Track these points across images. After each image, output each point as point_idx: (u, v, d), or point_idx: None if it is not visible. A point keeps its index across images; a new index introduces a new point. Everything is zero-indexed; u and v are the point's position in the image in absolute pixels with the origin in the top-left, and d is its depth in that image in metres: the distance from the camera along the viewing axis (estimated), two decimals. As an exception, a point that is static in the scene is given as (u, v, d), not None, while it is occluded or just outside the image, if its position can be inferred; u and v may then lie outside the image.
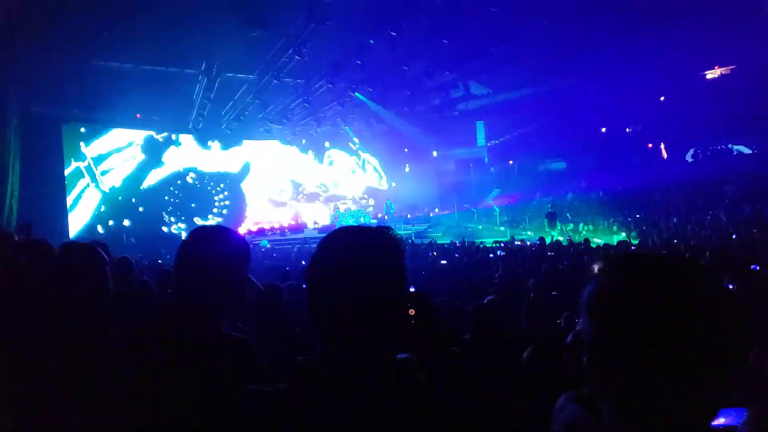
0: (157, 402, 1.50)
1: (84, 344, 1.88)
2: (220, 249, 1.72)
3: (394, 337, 1.16)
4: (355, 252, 1.17)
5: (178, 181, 25.46)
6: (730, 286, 6.13)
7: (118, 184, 23.35)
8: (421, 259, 13.25)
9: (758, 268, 7.43)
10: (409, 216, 25.44)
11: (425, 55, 18.45)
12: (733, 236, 14.01)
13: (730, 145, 23.74)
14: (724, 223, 17.15)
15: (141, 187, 23.87)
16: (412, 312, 2.04)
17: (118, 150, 23.55)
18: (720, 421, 2.25)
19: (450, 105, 24.91)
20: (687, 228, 17.57)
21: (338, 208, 26.23)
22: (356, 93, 20.75)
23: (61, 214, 20.57)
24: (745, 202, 18.60)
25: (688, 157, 24.27)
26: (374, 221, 25.08)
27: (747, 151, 23.15)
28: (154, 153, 24.57)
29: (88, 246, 2.45)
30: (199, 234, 1.78)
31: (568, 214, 23.46)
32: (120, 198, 23.24)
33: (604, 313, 0.92)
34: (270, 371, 1.80)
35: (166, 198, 24.72)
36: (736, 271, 7.46)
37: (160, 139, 24.71)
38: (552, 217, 18.91)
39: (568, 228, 22.07)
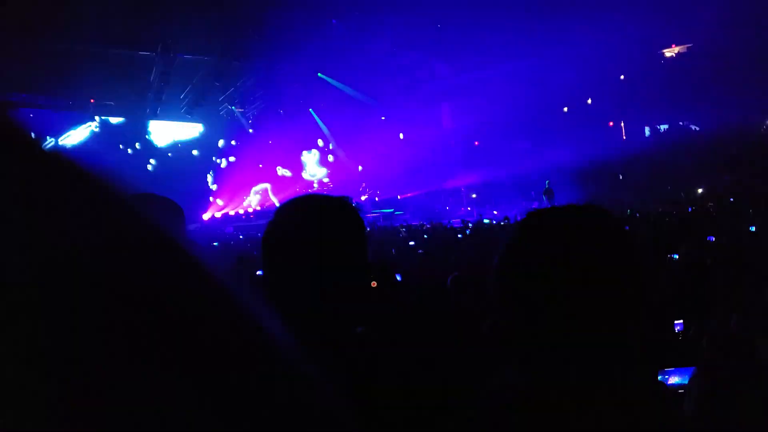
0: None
1: None
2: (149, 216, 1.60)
3: (355, 309, 1.13)
4: (314, 219, 1.13)
5: (137, 169, 24.83)
6: (676, 257, 6.26)
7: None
8: (390, 243, 13.24)
9: (713, 239, 7.63)
10: (377, 199, 25.39)
11: (389, 35, 18.30)
12: (689, 210, 14.39)
13: (687, 122, 24.31)
14: (681, 198, 17.60)
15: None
16: (374, 284, 2.00)
17: (71, 136, 22.79)
18: (672, 380, 2.30)
19: (415, 86, 24.82)
20: (648, 203, 17.97)
21: (311, 191, 25.96)
22: (319, 74, 20.48)
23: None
24: (702, 176, 19.12)
25: (647, 134, 24.75)
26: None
27: (702, 127, 23.74)
28: (109, 139, 23.85)
29: None
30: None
31: (532, 193, 23.76)
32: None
33: (503, 268, 0.90)
34: None
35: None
36: (693, 242, 7.65)
37: (117, 125, 23.99)
38: (550, 194, 19.13)
39: (533, 207, 22.36)
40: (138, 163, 24.84)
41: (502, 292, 0.89)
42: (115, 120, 23.75)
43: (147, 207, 1.25)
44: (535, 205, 21.18)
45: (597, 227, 0.88)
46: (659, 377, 2.28)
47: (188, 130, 26.25)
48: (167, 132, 25.54)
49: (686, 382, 1.81)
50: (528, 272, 0.85)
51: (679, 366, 2.84)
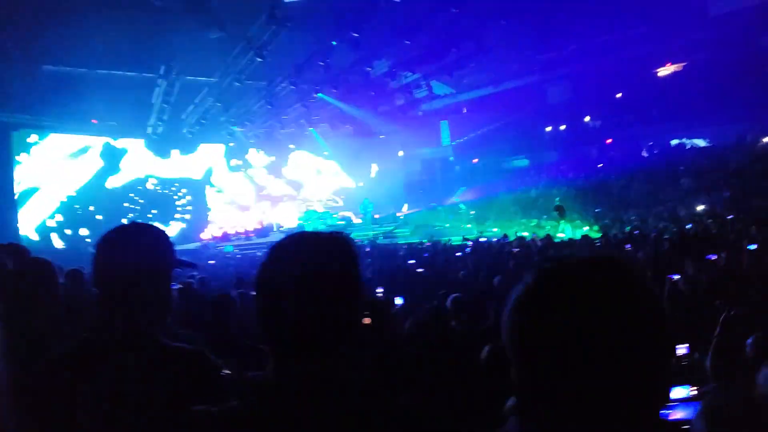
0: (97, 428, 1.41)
1: (29, 360, 1.78)
2: (135, 249, 1.57)
3: (350, 349, 1.12)
4: (307, 260, 1.11)
5: (139, 187, 24.93)
6: (675, 277, 6.26)
7: (74, 192, 22.72)
8: (389, 260, 13.26)
9: (714, 257, 7.66)
10: (377, 216, 25.43)
11: (388, 55, 18.49)
12: (688, 226, 14.43)
13: (684, 139, 24.43)
14: (681, 216, 17.65)
15: (99, 195, 23.27)
16: (367, 321, 2.03)
17: (74, 157, 22.91)
18: (676, 415, 2.32)
19: (414, 105, 25.00)
20: (647, 221, 18.02)
21: (311, 209, 25.81)
22: (320, 94, 20.64)
23: (9, 223, 19.76)
24: (701, 193, 19.18)
25: (645, 152, 24.87)
26: (341, 222, 24.99)
27: (702, 143, 23.86)
28: (112, 159, 23.98)
29: (39, 259, 2.36)
30: (109, 237, 1.59)
31: (534, 212, 23.83)
32: (77, 206, 22.61)
33: (522, 326, 0.83)
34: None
35: (126, 205, 24.18)
36: (693, 260, 7.68)
37: (118, 145, 24.13)
38: (560, 210, 19.00)
39: (532, 224, 22.40)
40: (139, 183, 24.93)
41: (514, 354, 0.85)
42: (118, 141, 23.89)
43: (132, 241, 1.28)
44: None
45: (623, 294, 0.81)
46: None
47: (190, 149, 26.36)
48: (167, 151, 25.66)
49: (690, 417, 1.82)
50: (544, 343, 0.80)
51: (681, 387, 2.86)
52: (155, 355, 1.53)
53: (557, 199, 19.59)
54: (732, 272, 6.80)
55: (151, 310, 1.57)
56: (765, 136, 20.85)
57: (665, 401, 0.82)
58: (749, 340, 3.49)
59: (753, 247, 8.04)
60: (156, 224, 1.75)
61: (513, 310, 0.86)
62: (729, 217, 15.22)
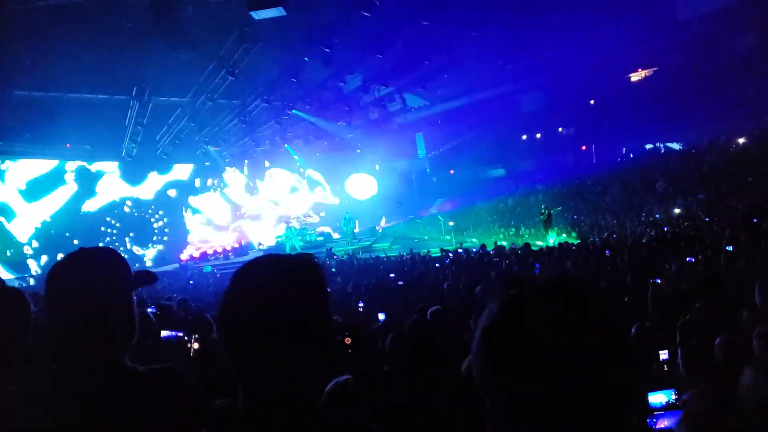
0: None
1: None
2: (87, 274, 1.53)
3: (320, 374, 1.10)
4: (272, 285, 1.09)
5: (115, 211, 24.57)
6: (658, 281, 6.31)
7: (49, 217, 22.31)
8: (370, 274, 13.18)
9: (693, 260, 7.73)
10: (356, 230, 25.34)
11: (360, 70, 18.53)
12: (665, 229, 14.59)
13: (658, 144, 24.85)
14: (657, 219, 17.87)
15: (75, 220, 22.86)
16: (348, 341, 1.99)
17: (47, 182, 22.53)
18: (661, 424, 2.29)
19: (388, 118, 25.10)
20: (625, 225, 18.21)
21: (291, 226, 25.59)
22: (294, 110, 20.60)
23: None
24: (676, 196, 19.46)
25: (619, 157, 25.24)
26: (320, 239, 24.85)
27: (676, 146, 24.29)
28: (87, 183, 23.62)
29: (7, 289, 2.25)
30: (60, 264, 1.57)
31: (512, 221, 23.98)
32: (53, 231, 22.18)
33: (489, 357, 0.83)
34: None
35: (103, 229, 23.80)
36: (672, 263, 7.75)
37: (92, 169, 23.80)
38: (547, 218, 19.12)
39: (510, 233, 22.51)
40: (115, 206, 24.59)
41: (486, 383, 0.85)
42: (92, 165, 23.59)
43: (85, 267, 1.22)
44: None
45: (583, 319, 0.80)
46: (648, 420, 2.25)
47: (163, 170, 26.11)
48: (142, 172, 25.40)
49: (672, 427, 1.80)
50: (511, 372, 0.80)
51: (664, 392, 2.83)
52: (121, 382, 1.49)
53: (543, 207, 19.69)
54: (711, 274, 6.85)
55: (113, 334, 1.52)
56: (737, 137, 21.29)
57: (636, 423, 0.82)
58: (717, 342, 3.50)
59: (730, 248, 8.14)
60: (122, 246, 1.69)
61: (480, 342, 0.85)
62: (705, 220, 15.44)
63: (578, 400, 0.77)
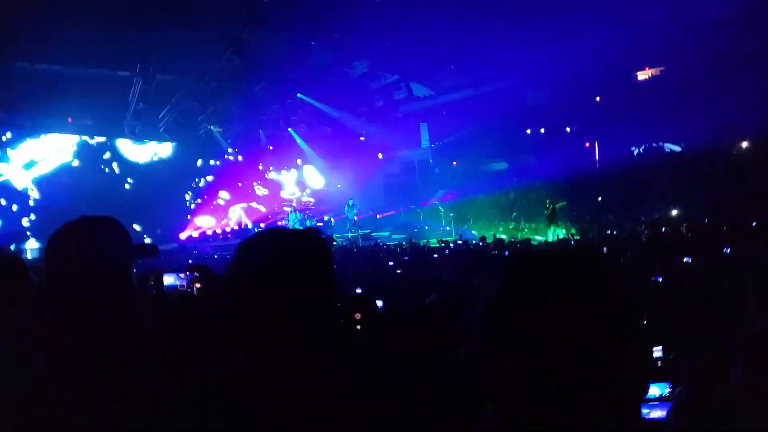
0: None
1: None
2: (86, 243, 1.53)
3: (326, 345, 1.09)
4: (278, 256, 1.08)
5: (116, 187, 24.55)
6: (660, 279, 6.36)
7: (48, 191, 22.30)
8: (369, 262, 13.20)
9: (690, 260, 7.75)
10: (356, 218, 25.35)
11: (367, 56, 18.44)
12: (663, 229, 14.61)
13: (661, 143, 24.79)
14: (656, 219, 17.88)
15: (75, 195, 22.85)
16: (358, 316, 2.00)
17: (48, 156, 22.49)
18: (654, 414, 2.31)
19: (393, 107, 24.98)
20: (623, 224, 18.23)
21: (295, 210, 25.50)
22: (299, 94, 20.53)
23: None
24: (676, 196, 19.47)
25: (623, 155, 25.16)
26: (320, 224, 24.87)
27: (677, 148, 24.22)
28: (88, 158, 23.59)
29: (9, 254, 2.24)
30: (59, 233, 1.56)
31: (512, 214, 24.00)
32: (52, 206, 22.17)
33: (493, 317, 0.83)
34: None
35: (103, 205, 23.81)
36: (665, 263, 7.78)
37: (95, 144, 23.75)
38: (552, 213, 19.03)
39: (510, 226, 22.53)
40: (116, 183, 24.57)
41: (491, 340, 0.84)
42: (94, 140, 23.52)
43: (84, 236, 1.21)
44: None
45: (592, 286, 0.81)
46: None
47: (166, 150, 26.08)
48: (145, 151, 25.36)
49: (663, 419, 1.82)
50: (518, 325, 0.79)
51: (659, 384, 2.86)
52: (114, 346, 1.47)
53: (547, 201, 19.63)
54: (708, 274, 6.88)
55: (111, 303, 1.51)
56: (740, 141, 21.25)
57: (643, 393, 0.82)
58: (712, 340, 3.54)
59: (727, 250, 8.17)
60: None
61: (486, 308, 0.85)
62: (705, 221, 15.46)
63: (583, 373, 0.76)
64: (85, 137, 23.26)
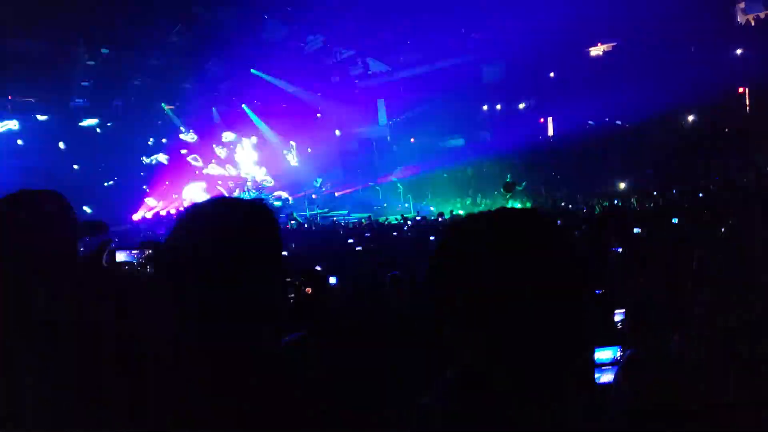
0: None
1: None
2: (36, 214, 1.47)
3: (271, 319, 1.05)
4: (220, 227, 1.02)
5: (62, 168, 23.63)
6: (619, 249, 6.55)
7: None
8: (329, 240, 13.16)
9: (639, 231, 8.00)
10: (314, 196, 25.20)
11: (322, 31, 18.15)
12: (615, 202, 15.03)
13: (613, 118, 25.34)
14: (608, 192, 18.37)
15: (17, 175, 21.90)
16: (309, 291, 1.96)
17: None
18: (605, 378, 2.39)
19: (350, 83, 24.76)
20: (577, 197, 18.67)
21: (250, 190, 25.10)
22: (252, 70, 20.09)
23: None
24: (628, 170, 20.02)
25: (576, 130, 25.64)
26: (278, 203, 24.61)
27: (630, 122, 24.81)
28: (31, 137, 22.59)
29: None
30: (3, 203, 1.48)
31: (469, 190, 24.28)
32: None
33: (435, 273, 0.85)
34: None
35: (49, 186, 22.89)
36: (620, 234, 8.01)
37: (39, 123, 22.73)
38: (510, 187, 19.03)
39: (467, 202, 22.80)
40: (63, 164, 23.67)
41: (436, 298, 0.86)
42: (41, 117, 22.51)
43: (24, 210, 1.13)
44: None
45: (535, 233, 0.83)
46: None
47: (115, 129, 25.22)
48: (92, 130, 24.45)
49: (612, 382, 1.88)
50: (459, 280, 0.81)
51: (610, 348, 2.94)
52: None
53: (509, 176, 19.82)
54: (657, 244, 7.12)
55: (54, 280, 1.44)
56: (687, 114, 21.93)
57: (590, 344, 0.85)
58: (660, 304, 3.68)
59: (675, 220, 8.46)
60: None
61: (433, 259, 0.87)
62: (654, 193, 15.97)
63: (530, 314, 0.78)
64: (27, 116, 22.24)
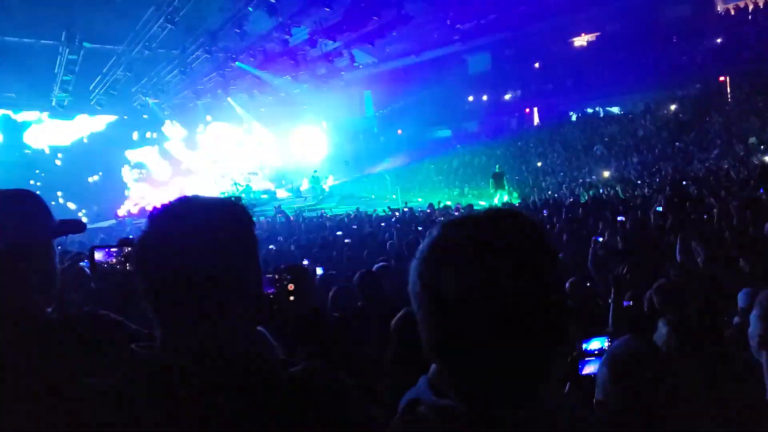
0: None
1: None
2: (9, 213, 1.43)
3: (246, 317, 1.04)
4: (193, 226, 1.02)
5: (44, 163, 23.37)
6: (600, 239, 6.61)
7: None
8: (317, 233, 13.15)
9: (623, 219, 8.09)
10: (302, 189, 25.10)
11: (307, 22, 18.02)
12: (600, 190, 15.14)
13: (598, 108, 25.51)
14: (594, 181, 18.50)
15: (2, 175, 21.64)
16: (291, 287, 1.95)
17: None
18: (589, 369, 2.43)
19: (336, 74, 24.63)
20: (563, 187, 18.77)
21: (235, 182, 24.79)
22: (237, 62, 19.91)
23: None
24: (612, 159, 20.16)
25: (561, 120, 25.78)
26: (264, 196, 24.49)
27: (616, 111, 24.99)
28: (12, 133, 22.30)
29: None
30: None
31: (456, 181, 24.31)
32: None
33: (426, 276, 0.85)
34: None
35: (31, 182, 22.63)
36: (606, 222, 8.09)
37: (18, 119, 22.45)
38: (498, 177, 18.78)
39: (455, 192, 22.85)
40: (45, 160, 23.41)
41: (420, 306, 0.87)
42: (19, 114, 22.22)
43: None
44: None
45: (516, 236, 0.84)
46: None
47: (99, 123, 24.95)
48: (75, 125, 24.18)
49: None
50: (448, 291, 0.81)
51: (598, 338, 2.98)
52: (38, 331, 1.39)
53: (497, 167, 19.70)
54: (640, 232, 7.20)
55: (30, 280, 1.43)
56: (670, 104, 22.11)
57: (570, 345, 0.88)
58: (645, 296, 3.74)
59: (659, 209, 8.55)
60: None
61: (419, 262, 0.88)
62: (637, 182, 16.10)
63: (514, 318, 0.80)
64: (8, 112, 21.94)
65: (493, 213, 0.90)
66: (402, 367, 2.34)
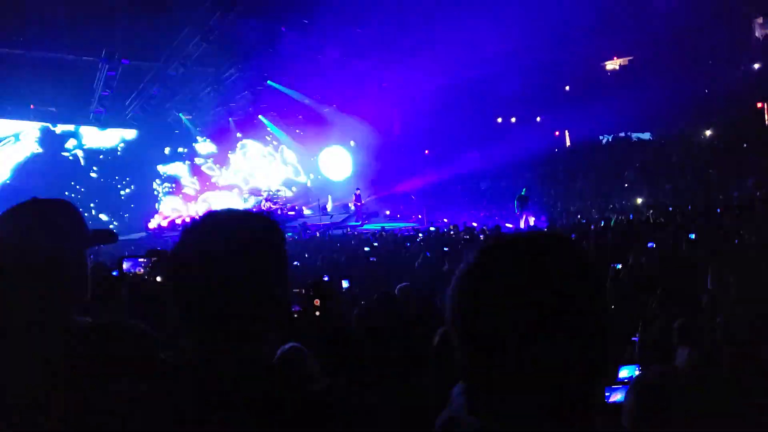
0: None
1: None
2: (45, 222, 1.47)
3: (272, 331, 1.08)
4: (225, 239, 1.04)
5: (80, 176, 23.98)
6: (619, 266, 6.49)
7: (9, 179, 21.67)
8: (342, 251, 13.19)
9: (654, 245, 7.93)
10: (329, 208, 25.27)
11: (339, 43, 18.29)
12: (630, 217, 14.89)
13: (630, 133, 25.21)
14: (624, 206, 18.22)
15: (37, 184, 22.24)
16: (317, 302, 1.97)
17: (9, 143, 21.84)
18: (615, 397, 2.37)
19: (364, 94, 24.86)
20: (592, 211, 18.53)
21: (266, 200, 25.04)
22: (269, 81, 20.27)
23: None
24: (644, 186, 19.85)
25: (592, 144, 25.53)
26: (291, 213, 24.69)
27: (646, 137, 24.66)
28: (51, 146, 22.97)
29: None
30: (14, 210, 1.51)
31: (483, 202, 24.20)
32: (12, 194, 21.55)
33: (464, 301, 0.83)
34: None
35: (66, 194, 23.21)
36: (636, 249, 7.94)
37: (58, 132, 23.13)
38: (523, 201, 18.58)
39: (481, 214, 22.72)
40: (81, 171, 24.02)
41: (458, 330, 0.84)
42: (57, 127, 22.90)
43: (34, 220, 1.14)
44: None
45: (562, 265, 0.82)
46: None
47: (133, 137, 25.55)
48: (110, 138, 24.81)
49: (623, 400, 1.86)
50: (487, 316, 0.79)
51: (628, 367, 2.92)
52: (67, 337, 1.41)
53: (524, 189, 19.53)
54: (672, 259, 7.04)
55: (62, 287, 1.44)
56: (704, 130, 21.74)
57: (611, 376, 0.84)
58: (674, 326, 3.64)
59: (693, 236, 8.36)
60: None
61: (456, 286, 0.85)
62: (669, 209, 15.80)
63: (553, 345, 0.77)
64: (47, 124, 22.64)
65: (537, 237, 0.87)
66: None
